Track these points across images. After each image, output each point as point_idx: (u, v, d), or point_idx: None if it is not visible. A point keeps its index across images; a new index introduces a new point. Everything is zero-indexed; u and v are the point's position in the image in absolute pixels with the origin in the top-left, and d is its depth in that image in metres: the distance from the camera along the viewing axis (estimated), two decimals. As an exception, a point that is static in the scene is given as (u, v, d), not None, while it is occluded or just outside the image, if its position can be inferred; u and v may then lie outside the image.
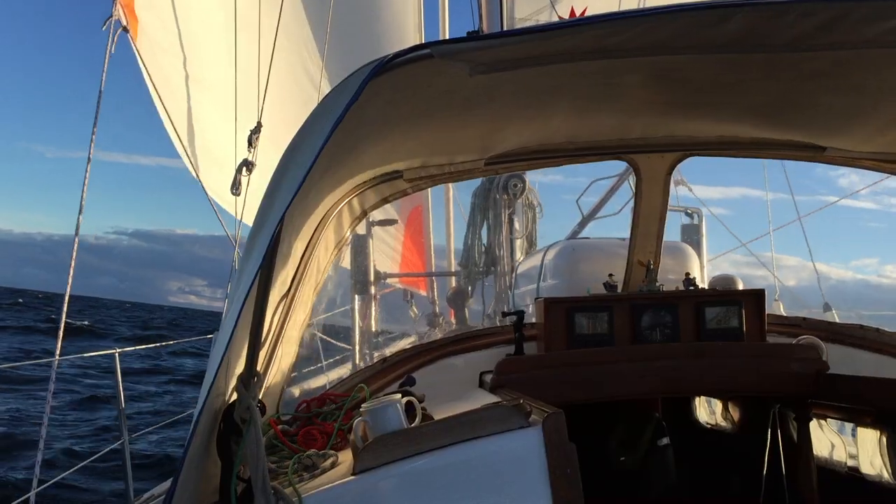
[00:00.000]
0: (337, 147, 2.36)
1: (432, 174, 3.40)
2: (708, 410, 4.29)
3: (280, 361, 2.92)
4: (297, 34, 9.61)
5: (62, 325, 4.95)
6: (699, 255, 6.54)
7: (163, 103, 7.06)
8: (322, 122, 1.96)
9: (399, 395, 2.39)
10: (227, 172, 6.48)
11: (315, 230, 2.93)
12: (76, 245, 5.09)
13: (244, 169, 5.93)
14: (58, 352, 4.97)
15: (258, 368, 2.37)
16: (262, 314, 2.27)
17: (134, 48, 6.71)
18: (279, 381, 3.04)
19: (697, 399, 4.31)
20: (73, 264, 5.07)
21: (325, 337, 8.70)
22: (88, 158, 5.39)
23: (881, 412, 3.05)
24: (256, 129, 6.04)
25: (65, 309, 5.00)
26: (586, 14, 6.76)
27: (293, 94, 9.16)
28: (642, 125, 3.42)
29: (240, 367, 2.31)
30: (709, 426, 4.26)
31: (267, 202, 2.10)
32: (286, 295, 2.80)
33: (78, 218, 5.21)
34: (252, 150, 5.97)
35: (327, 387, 7.85)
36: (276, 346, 2.79)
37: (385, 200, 3.42)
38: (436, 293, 10.59)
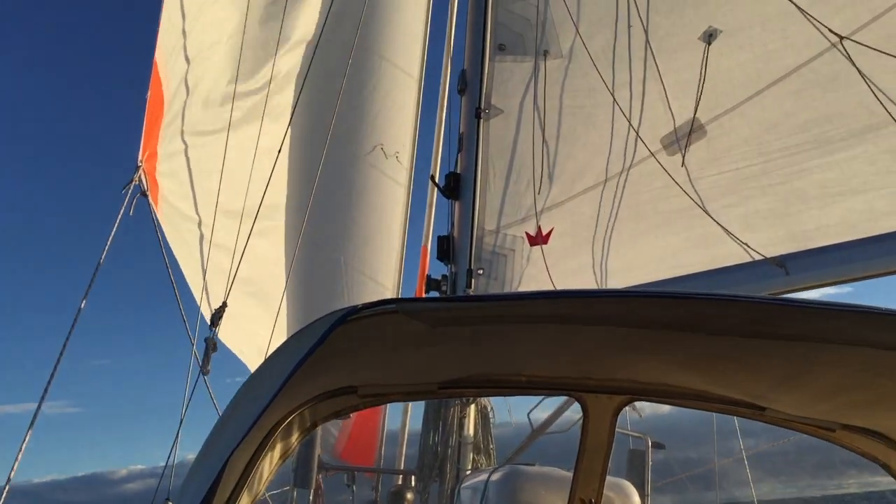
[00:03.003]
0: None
1: (387, 392, 3.49)
2: None
3: None
4: (287, 208, 9.94)
5: None
6: (643, 481, 6.56)
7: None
8: (282, 363, 2.07)
9: None
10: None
11: (261, 442, 2.95)
12: None
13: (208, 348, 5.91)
14: None
15: None
16: None
17: (153, 214, 6.83)
18: None
19: None
20: None
21: None
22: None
23: None
24: (220, 310, 6.07)
25: None
26: (552, 236, 7.13)
27: (273, 262, 9.35)
28: (591, 367, 3.56)
29: None
30: None
31: (218, 429, 2.16)
32: None
33: None
34: (214, 329, 5.99)
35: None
36: None
37: (337, 414, 3.47)
38: (380, 483, 10.35)
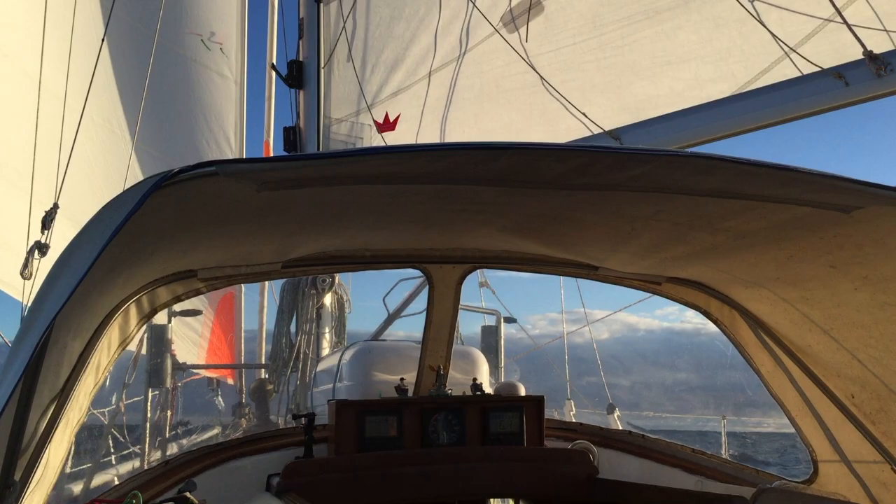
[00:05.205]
0: (121, 249, 2.35)
1: (228, 274, 3.42)
2: None
3: (46, 467, 2.78)
4: (108, 109, 9.24)
5: None
6: (497, 355, 6.87)
7: None
8: (98, 232, 1.96)
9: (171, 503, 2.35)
10: (16, 254, 6.07)
11: (96, 330, 2.85)
12: None
13: (37, 252, 5.60)
14: None
15: (16, 477, 2.27)
16: (22, 421, 2.18)
17: None
18: (45, 488, 2.88)
19: (492, 499, 4.45)
20: None
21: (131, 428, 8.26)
22: None
23: None
24: (52, 211, 5.74)
25: None
26: (399, 121, 7.08)
27: (97, 172, 8.79)
28: (433, 237, 3.62)
29: None
30: None
31: (36, 307, 2.05)
32: (58, 396, 2.69)
33: None
34: (47, 232, 5.66)
35: (115, 483, 7.40)
36: (41, 451, 2.66)
37: (177, 299, 3.39)
38: (243, 383, 10.32)
